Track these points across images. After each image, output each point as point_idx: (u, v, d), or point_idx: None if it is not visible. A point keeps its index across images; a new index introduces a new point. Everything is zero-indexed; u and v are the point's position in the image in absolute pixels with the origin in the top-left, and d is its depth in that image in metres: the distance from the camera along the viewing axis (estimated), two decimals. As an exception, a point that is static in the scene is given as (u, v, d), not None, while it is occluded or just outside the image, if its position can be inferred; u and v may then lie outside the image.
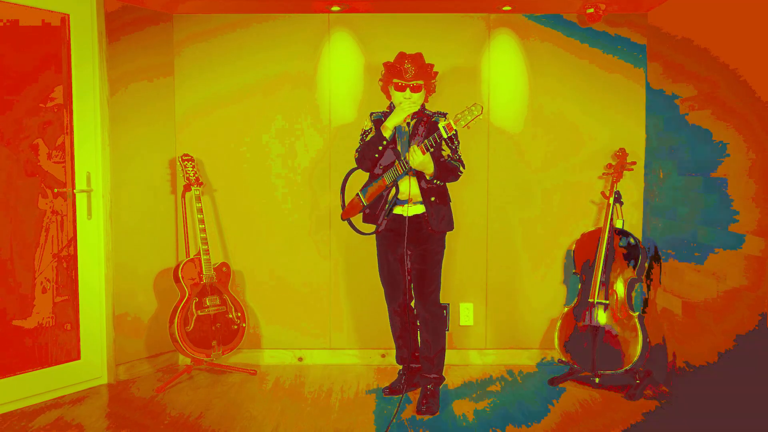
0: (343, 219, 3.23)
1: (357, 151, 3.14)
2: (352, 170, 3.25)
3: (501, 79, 3.76)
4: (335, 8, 3.63)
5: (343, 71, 3.79)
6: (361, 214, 3.19)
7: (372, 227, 3.16)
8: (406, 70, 2.98)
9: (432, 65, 3.04)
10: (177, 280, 3.57)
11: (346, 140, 3.76)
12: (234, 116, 3.81)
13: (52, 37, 3.35)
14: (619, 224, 3.51)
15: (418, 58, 3.01)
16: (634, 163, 3.57)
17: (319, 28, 3.77)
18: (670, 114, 3.43)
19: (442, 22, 3.73)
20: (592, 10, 3.43)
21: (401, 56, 3.03)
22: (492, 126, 3.78)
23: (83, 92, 3.36)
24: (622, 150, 3.62)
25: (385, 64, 3.07)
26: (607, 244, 3.45)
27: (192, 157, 3.68)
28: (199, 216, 3.58)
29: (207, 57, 3.79)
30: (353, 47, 3.77)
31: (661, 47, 3.54)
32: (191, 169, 3.64)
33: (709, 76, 3.02)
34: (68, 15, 3.28)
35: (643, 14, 3.69)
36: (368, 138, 3.08)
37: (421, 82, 3.00)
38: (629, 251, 3.45)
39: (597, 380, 3.34)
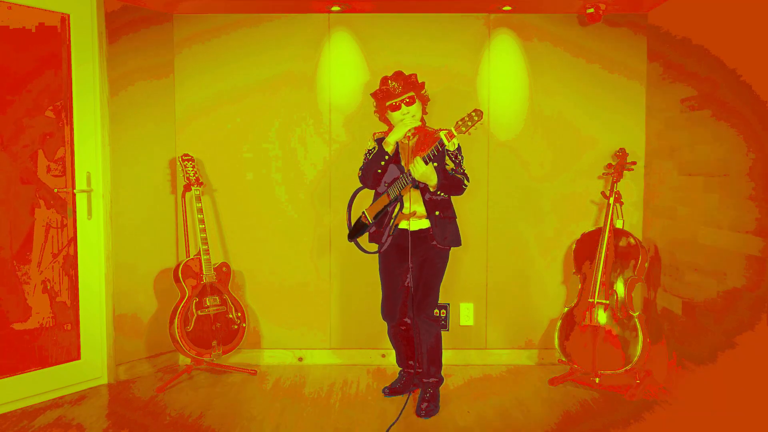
0: (350, 240, 3.20)
1: (360, 169, 3.13)
2: (359, 189, 3.23)
3: (501, 80, 3.76)
4: (335, 8, 3.63)
5: (343, 71, 3.79)
6: (368, 233, 3.17)
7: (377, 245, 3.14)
8: (393, 89, 3.00)
9: (415, 75, 3.06)
10: (177, 280, 3.57)
11: (346, 140, 3.76)
12: (234, 116, 3.82)
13: (52, 37, 3.35)
14: (619, 224, 3.50)
15: (398, 75, 3.03)
16: (634, 163, 3.58)
17: (319, 28, 3.77)
18: (670, 114, 3.43)
19: (442, 22, 3.73)
20: (592, 10, 3.43)
21: (383, 80, 3.05)
22: (492, 126, 3.78)
23: (83, 92, 3.36)
24: (622, 150, 3.62)
25: (373, 95, 3.09)
26: (607, 244, 3.45)
27: (192, 157, 3.68)
28: (199, 216, 3.58)
29: (207, 57, 3.79)
30: (353, 47, 3.77)
31: (661, 47, 3.54)
32: (191, 169, 3.64)
33: (709, 76, 3.02)
34: (68, 15, 3.28)
35: (643, 14, 3.69)
36: (371, 156, 3.07)
37: (411, 93, 3.02)
38: (629, 251, 3.45)
39: (597, 380, 3.34)
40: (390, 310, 3.23)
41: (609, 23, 3.69)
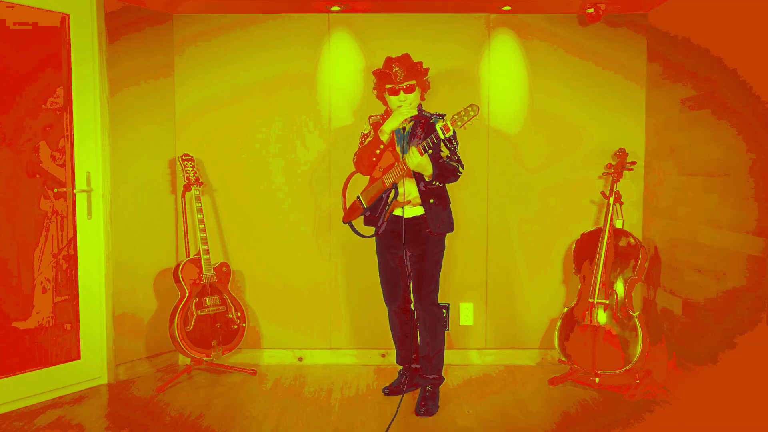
0: (344, 222, 3.23)
1: (355, 155, 3.14)
2: (353, 173, 3.25)
3: (501, 79, 3.76)
4: (335, 8, 3.63)
5: (343, 71, 3.79)
6: (362, 216, 3.19)
7: (372, 230, 3.16)
8: (395, 74, 2.99)
9: (420, 63, 3.04)
10: (177, 280, 3.57)
11: (346, 139, 3.76)
12: (234, 116, 3.81)
13: (52, 37, 3.35)
14: (619, 224, 3.50)
15: (405, 59, 3.01)
16: (634, 163, 3.58)
17: (319, 28, 3.77)
18: (670, 114, 3.43)
19: (442, 22, 3.73)
20: (592, 10, 3.43)
21: (388, 61, 3.03)
22: (492, 126, 3.78)
23: (83, 92, 3.36)
24: (622, 150, 3.62)
25: (375, 72, 3.08)
26: (607, 244, 3.45)
27: (192, 157, 3.68)
28: (199, 216, 3.58)
29: (207, 57, 3.79)
30: (353, 47, 3.77)
31: (661, 47, 3.54)
32: (191, 169, 3.64)
33: (709, 76, 3.02)
34: (68, 15, 3.28)
35: (643, 14, 3.69)
36: (366, 142, 3.08)
37: (413, 81, 3.00)
38: (629, 251, 3.45)
39: (597, 380, 3.34)
40: (390, 292, 3.25)
41: (609, 23, 3.69)
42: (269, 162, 3.83)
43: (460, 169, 3.05)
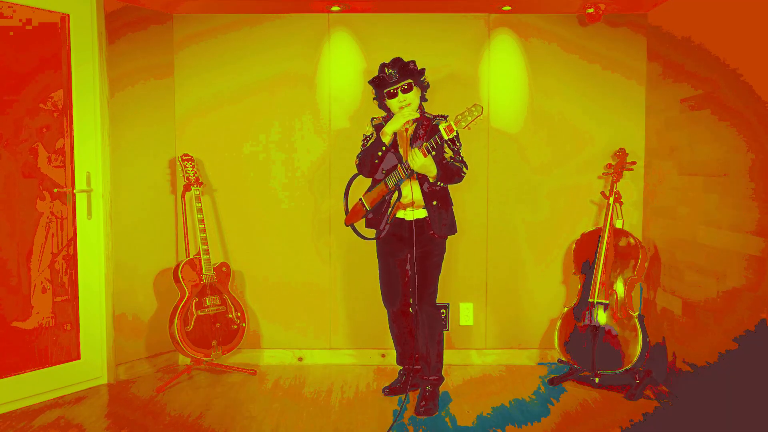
0: (346, 225, 3.23)
1: (358, 157, 3.13)
2: (355, 175, 3.24)
3: (501, 80, 3.76)
4: (335, 8, 3.63)
5: (343, 71, 3.79)
6: (365, 219, 3.19)
7: (374, 232, 3.16)
8: (389, 76, 2.99)
9: (413, 62, 3.03)
10: (177, 280, 3.57)
11: (346, 141, 3.76)
12: (234, 116, 3.82)
13: (52, 37, 3.35)
14: (619, 224, 3.50)
15: (397, 61, 3.01)
16: (634, 163, 3.58)
17: (319, 28, 3.77)
18: (670, 114, 3.43)
19: (442, 22, 3.73)
20: (592, 10, 3.43)
21: (381, 67, 3.04)
22: (492, 126, 3.78)
23: (83, 92, 3.36)
24: (622, 150, 3.62)
25: (371, 82, 3.09)
26: (607, 244, 3.45)
27: (192, 157, 3.68)
28: (199, 216, 3.58)
29: (207, 57, 3.79)
30: (353, 47, 3.77)
31: (661, 47, 3.54)
32: (191, 169, 3.64)
33: (709, 76, 3.02)
34: (68, 15, 3.28)
35: (643, 14, 3.69)
36: (369, 144, 3.08)
37: (409, 81, 3.00)
38: (629, 251, 3.45)
39: (597, 380, 3.34)
40: (390, 295, 3.24)
41: (609, 23, 3.69)
42: (269, 162, 3.83)
43: (465, 169, 3.05)
